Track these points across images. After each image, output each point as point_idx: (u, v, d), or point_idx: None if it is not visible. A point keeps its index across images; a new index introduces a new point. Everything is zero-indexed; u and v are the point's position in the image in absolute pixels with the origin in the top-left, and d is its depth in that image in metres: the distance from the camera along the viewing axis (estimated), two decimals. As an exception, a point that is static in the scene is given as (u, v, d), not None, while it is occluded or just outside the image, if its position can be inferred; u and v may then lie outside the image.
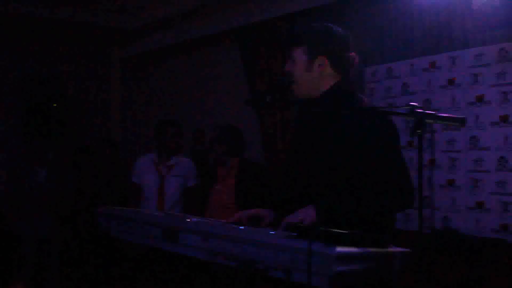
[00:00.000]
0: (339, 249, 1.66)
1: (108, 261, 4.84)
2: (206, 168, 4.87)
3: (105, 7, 6.68)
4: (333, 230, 1.73)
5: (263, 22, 5.77)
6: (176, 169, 4.72)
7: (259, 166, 4.56)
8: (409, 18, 4.71)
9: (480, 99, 4.17)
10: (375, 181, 2.18)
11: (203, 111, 7.05)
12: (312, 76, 2.35)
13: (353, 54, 2.39)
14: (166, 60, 7.72)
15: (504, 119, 4.04)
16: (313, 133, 2.39)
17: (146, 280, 4.60)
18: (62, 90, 6.44)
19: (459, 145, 4.29)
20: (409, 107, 1.82)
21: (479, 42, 4.25)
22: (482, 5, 3.73)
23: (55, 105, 6.25)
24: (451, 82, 4.36)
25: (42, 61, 6.96)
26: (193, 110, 7.21)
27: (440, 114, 1.81)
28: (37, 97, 6.21)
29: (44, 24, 6.61)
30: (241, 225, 2.35)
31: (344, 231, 1.74)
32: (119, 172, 5.91)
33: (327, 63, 2.35)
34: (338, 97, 2.35)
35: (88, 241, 5.72)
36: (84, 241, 5.87)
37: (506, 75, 4.04)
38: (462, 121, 1.80)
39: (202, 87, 7.11)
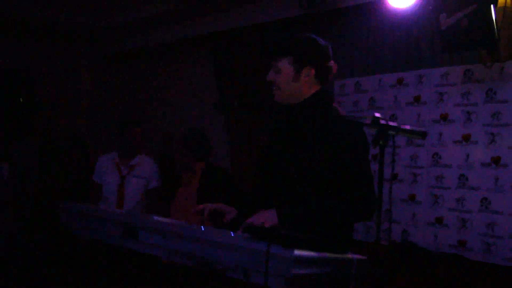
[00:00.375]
0: (297, 252, 1.69)
1: (68, 258, 4.78)
2: (173, 172, 4.83)
3: (79, 6, 6.63)
4: (292, 233, 1.75)
5: (236, 29, 5.82)
6: (138, 170, 4.68)
7: (223, 172, 4.55)
8: (379, 34, 4.80)
9: (444, 118, 4.27)
10: (340, 189, 2.23)
11: (172, 115, 7.04)
12: (298, 85, 2.41)
13: (332, 62, 2.46)
14: (138, 62, 7.69)
15: (466, 138, 4.14)
16: (286, 138, 2.43)
17: (106, 278, 4.55)
18: (30, 86, 6.34)
19: (422, 161, 4.38)
20: (372, 118, 1.86)
21: (446, 62, 4.35)
22: (450, 27, 3.82)
23: (22, 100, 6.15)
24: (417, 99, 4.45)
25: (11, 55, 6.87)
26: (163, 114, 7.19)
27: (402, 126, 1.86)
28: (4, 92, 6.10)
29: (15, 19, 6.53)
30: (204, 217, 2.38)
31: (303, 235, 1.77)
32: (85, 170, 5.84)
33: (313, 73, 2.41)
34: (317, 106, 2.41)
35: (49, 238, 5.65)
36: (45, 237, 5.80)
37: (470, 95, 4.14)
38: (423, 135, 1.85)
39: (173, 91, 7.10)
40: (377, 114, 1.88)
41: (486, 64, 4.00)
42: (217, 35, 6.09)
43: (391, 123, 1.85)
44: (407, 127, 1.88)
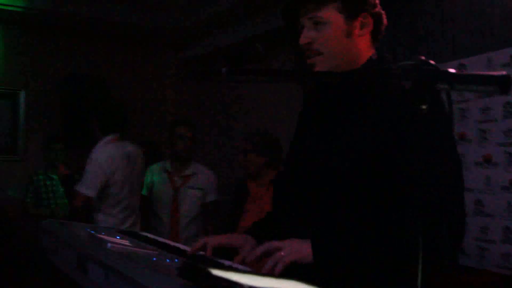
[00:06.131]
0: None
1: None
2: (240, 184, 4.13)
3: (158, 8, 6.21)
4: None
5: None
6: (193, 180, 4.05)
7: None
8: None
9: None
10: (411, 195, 1.37)
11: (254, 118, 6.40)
12: (353, 44, 1.62)
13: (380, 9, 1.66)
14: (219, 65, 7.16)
15: None
16: (333, 120, 1.65)
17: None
18: (105, 92, 6.00)
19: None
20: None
21: None
22: None
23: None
24: None
25: (86, 61, 6.59)
26: (247, 117, 6.58)
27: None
28: (77, 97, 5.81)
29: (94, 23, 6.26)
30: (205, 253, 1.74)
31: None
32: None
33: (371, 25, 1.63)
34: (378, 75, 1.53)
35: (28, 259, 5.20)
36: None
37: None
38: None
39: (257, 93, 6.46)
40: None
41: None
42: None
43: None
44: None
